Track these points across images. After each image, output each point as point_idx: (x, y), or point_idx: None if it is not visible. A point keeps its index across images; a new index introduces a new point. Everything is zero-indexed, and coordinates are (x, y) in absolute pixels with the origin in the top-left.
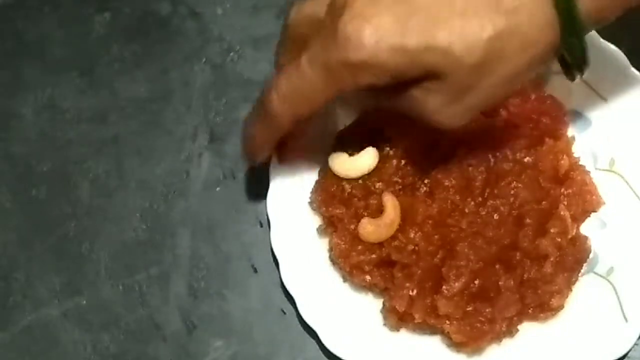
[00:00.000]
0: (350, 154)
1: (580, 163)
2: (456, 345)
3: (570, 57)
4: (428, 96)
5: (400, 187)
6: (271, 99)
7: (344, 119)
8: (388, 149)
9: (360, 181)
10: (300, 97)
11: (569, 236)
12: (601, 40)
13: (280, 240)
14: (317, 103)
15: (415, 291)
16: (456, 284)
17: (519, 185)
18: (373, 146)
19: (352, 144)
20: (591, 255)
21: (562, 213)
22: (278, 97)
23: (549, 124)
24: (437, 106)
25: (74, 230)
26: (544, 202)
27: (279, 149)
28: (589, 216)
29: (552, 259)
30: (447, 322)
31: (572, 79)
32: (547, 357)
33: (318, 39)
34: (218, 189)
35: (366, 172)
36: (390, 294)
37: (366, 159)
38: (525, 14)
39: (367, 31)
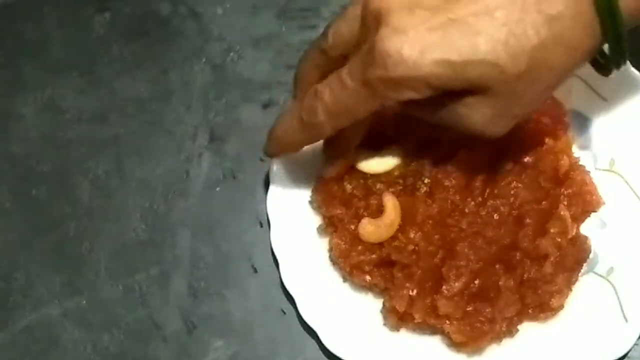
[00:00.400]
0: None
1: (580, 163)
2: (456, 345)
3: (611, 54)
4: (473, 111)
5: (400, 187)
6: (315, 107)
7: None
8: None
9: (361, 180)
10: (343, 110)
11: (569, 236)
12: None
13: (280, 240)
14: (359, 115)
15: (415, 291)
16: (456, 284)
17: (519, 185)
18: (373, 147)
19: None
20: (591, 255)
21: (562, 213)
22: (321, 107)
23: (549, 124)
24: (483, 119)
25: (74, 230)
26: (544, 202)
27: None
28: (589, 216)
29: (552, 259)
30: (447, 322)
31: (608, 74)
32: (547, 357)
33: (357, 55)
34: (218, 189)
35: (391, 168)
36: (390, 294)
37: (393, 155)
38: (567, 19)
39: (406, 46)
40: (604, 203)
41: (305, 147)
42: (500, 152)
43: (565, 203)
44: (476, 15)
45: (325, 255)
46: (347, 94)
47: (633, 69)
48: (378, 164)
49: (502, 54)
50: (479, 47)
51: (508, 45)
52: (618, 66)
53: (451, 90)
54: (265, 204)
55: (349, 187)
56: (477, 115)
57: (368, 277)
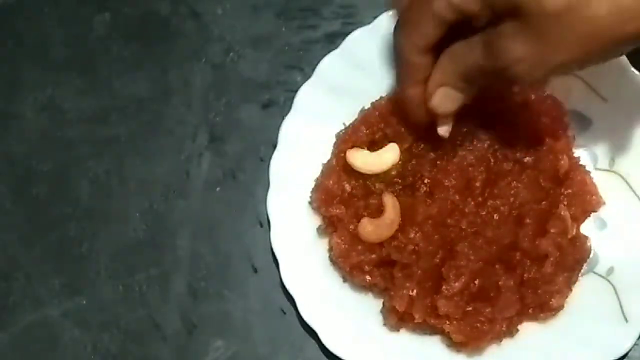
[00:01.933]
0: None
1: (580, 163)
2: (456, 345)
3: None
4: (514, 44)
5: (400, 187)
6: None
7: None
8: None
9: (361, 180)
10: (412, 22)
11: (569, 236)
12: None
13: (280, 240)
14: (427, 27)
15: (415, 291)
16: (456, 284)
17: (519, 185)
18: (371, 146)
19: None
20: (591, 255)
21: (562, 213)
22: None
23: (549, 124)
24: (520, 53)
25: (74, 230)
26: (544, 202)
27: None
28: (589, 216)
29: (552, 259)
30: (447, 322)
31: None
32: (547, 357)
33: None
34: (218, 189)
35: (389, 167)
36: (390, 294)
37: (391, 154)
38: None
39: None
40: (604, 203)
41: (305, 148)
42: (501, 152)
43: (565, 203)
44: None
45: (325, 255)
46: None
47: (633, 69)
48: (375, 164)
49: None
50: None
51: None
52: None
53: (496, 7)
54: (265, 204)
55: (348, 187)
56: (517, 51)
57: (368, 277)
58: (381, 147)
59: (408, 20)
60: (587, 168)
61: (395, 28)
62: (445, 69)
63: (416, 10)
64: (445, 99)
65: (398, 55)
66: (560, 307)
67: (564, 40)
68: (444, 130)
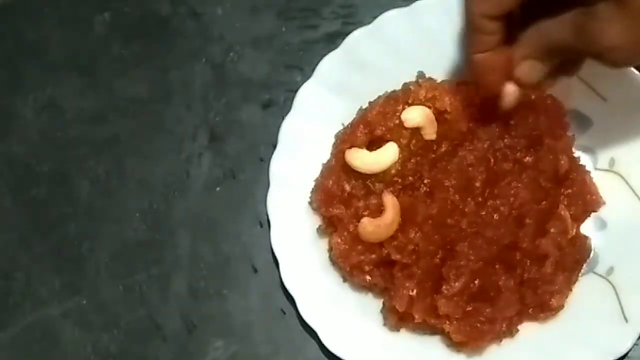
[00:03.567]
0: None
1: (580, 163)
2: (456, 345)
3: None
4: (608, 24)
5: (400, 187)
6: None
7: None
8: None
9: (360, 180)
10: None
11: (569, 236)
12: None
13: (280, 240)
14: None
15: (415, 291)
16: (456, 284)
17: (519, 185)
18: (369, 146)
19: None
20: (591, 255)
21: (562, 213)
22: None
23: (549, 123)
24: (617, 41)
25: (74, 230)
26: (544, 202)
27: None
28: (589, 216)
29: (552, 259)
30: (447, 322)
31: None
32: (547, 357)
33: None
34: (218, 189)
35: (388, 167)
36: (390, 294)
37: (389, 154)
38: None
39: None
40: (604, 203)
41: (305, 148)
42: (501, 152)
43: (565, 203)
44: None
45: (325, 255)
46: None
47: (633, 69)
48: (375, 163)
49: None
50: None
51: None
52: None
53: None
54: (265, 204)
55: (348, 187)
56: (614, 38)
57: (368, 277)
58: (380, 147)
59: None
60: (587, 168)
61: None
62: (533, 44)
63: None
64: (530, 70)
65: (468, 19)
66: (560, 307)
67: None
68: (509, 102)
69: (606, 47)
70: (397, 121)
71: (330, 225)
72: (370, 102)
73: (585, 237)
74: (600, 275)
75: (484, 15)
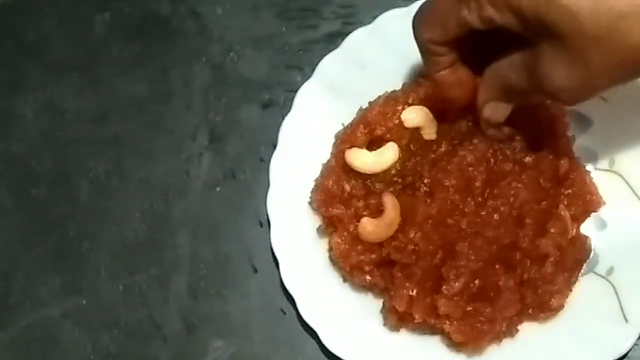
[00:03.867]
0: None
1: (580, 163)
2: (456, 345)
3: None
4: (553, 66)
5: (400, 187)
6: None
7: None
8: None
9: (360, 180)
10: (435, 19)
11: (569, 236)
12: None
13: (280, 240)
14: (449, 27)
15: (415, 291)
16: (456, 284)
17: (519, 185)
18: (372, 147)
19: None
20: (591, 255)
21: (562, 213)
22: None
23: (549, 124)
24: (565, 82)
25: (74, 230)
26: (544, 202)
27: None
28: (589, 216)
29: (552, 259)
30: (447, 322)
31: None
32: (547, 357)
33: None
34: (218, 189)
35: (388, 167)
36: (390, 294)
37: (389, 153)
38: None
39: None
40: (604, 203)
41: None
42: (501, 152)
43: (565, 203)
44: None
45: (325, 255)
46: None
47: None
48: (374, 163)
49: (585, 8)
50: None
51: (597, 2)
52: None
53: (530, 26)
54: (265, 204)
55: (347, 187)
56: (561, 79)
57: (368, 277)
58: (380, 147)
59: (432, 16)
60: (587, 168)
61: (417, 15)
62: (490, 87)
63: (442, 9)
64: (495, 111)
65: (416, 41)
66: (560, 307)
67: (607, 65)
68: (492, 133)
69: (555, 88)
70: (397, 121)
71: (330, 225)
72: (370, 102)
73: (585, 237)
74: (600, 275)
75: (432, 42)
